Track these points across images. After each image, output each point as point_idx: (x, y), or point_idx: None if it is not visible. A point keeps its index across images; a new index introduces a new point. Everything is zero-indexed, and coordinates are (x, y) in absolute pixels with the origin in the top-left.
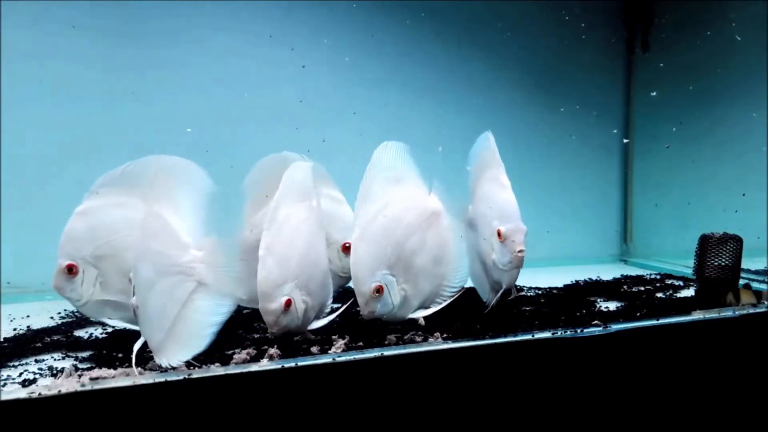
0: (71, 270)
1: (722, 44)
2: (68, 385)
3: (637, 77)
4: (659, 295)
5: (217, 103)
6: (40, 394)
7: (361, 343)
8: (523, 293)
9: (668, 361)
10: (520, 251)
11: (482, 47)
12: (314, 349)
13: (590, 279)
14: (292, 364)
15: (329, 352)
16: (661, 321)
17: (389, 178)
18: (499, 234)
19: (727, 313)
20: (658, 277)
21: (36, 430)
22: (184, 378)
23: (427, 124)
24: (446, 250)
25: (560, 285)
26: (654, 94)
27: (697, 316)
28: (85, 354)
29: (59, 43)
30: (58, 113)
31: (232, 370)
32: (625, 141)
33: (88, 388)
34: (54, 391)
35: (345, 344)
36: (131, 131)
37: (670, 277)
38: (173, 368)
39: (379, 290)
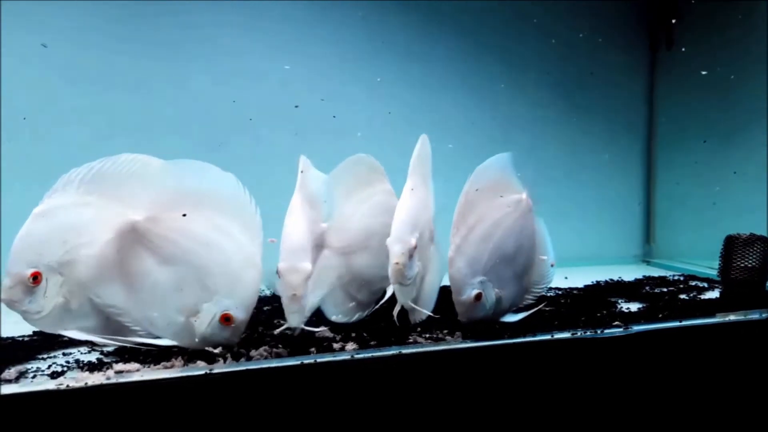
0: (35, 279)
1: (749, 40)
2: (94, 378)
3: (661, 77)
4: (682, 296)
5: (224, 106)
6: (68, 386)
7: (374, 343)
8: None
9: (691, 364)
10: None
11: (502, 48)
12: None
13: (611, 280)
14: (311, 361)
15: (347, 349)
16: (684, 323)
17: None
18: None
19: (753, 315)
20: (681, 278)
21: (64, 420)
22: (206, 373)
23: (443, 125)
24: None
25: (581, 285)
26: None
27: (721, 318)
28: (110, 348)
29: (62, 42)
30: (63, 114)
31: (252, 365)
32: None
33: (113, 381)
34: (81, 384)
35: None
36: (141, 133)
37: (694, 278)
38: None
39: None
